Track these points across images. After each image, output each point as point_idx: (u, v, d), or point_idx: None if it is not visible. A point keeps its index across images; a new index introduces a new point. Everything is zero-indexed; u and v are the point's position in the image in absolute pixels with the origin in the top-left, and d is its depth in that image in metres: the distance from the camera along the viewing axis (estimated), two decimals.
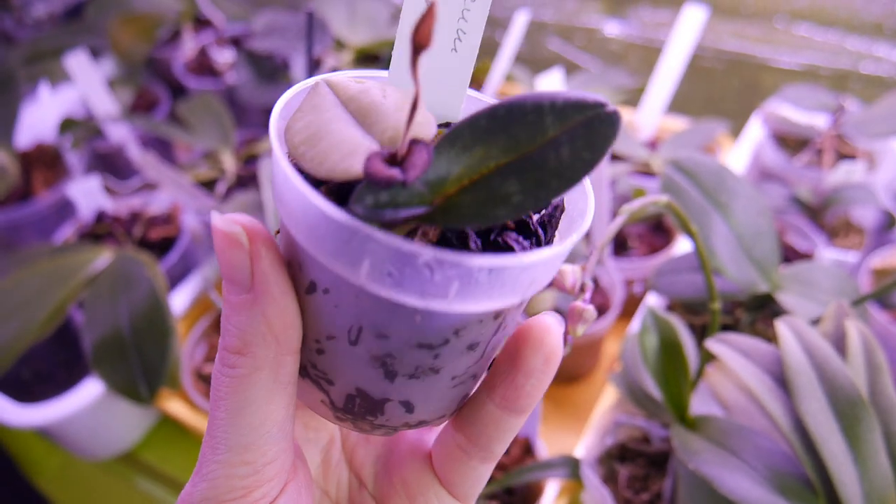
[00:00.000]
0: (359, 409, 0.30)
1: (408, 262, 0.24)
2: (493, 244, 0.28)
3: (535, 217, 0.30)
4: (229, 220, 0.27)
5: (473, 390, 0.33)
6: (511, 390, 0.30)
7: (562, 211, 0.31)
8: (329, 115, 0.29)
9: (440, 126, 0.32)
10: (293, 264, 0.28)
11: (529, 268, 0.26)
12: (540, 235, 0.30)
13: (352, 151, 0.27)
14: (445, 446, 0.34)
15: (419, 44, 0.24)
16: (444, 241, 0.28)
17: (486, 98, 0.34)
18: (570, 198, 0.32)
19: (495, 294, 0.26)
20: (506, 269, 0.25)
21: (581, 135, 0.25)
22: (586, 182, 0.30)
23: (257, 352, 0.28)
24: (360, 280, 0.25)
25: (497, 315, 0.28)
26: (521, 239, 0.29)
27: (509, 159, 0.25)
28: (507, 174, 0.25)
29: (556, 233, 0.31)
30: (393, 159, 0.26)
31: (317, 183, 0.28)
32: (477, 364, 0.30)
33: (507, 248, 0.28)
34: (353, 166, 0.26)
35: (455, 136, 0.26)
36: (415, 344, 0.27)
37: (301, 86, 0.31)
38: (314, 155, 0.27)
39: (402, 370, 0.28)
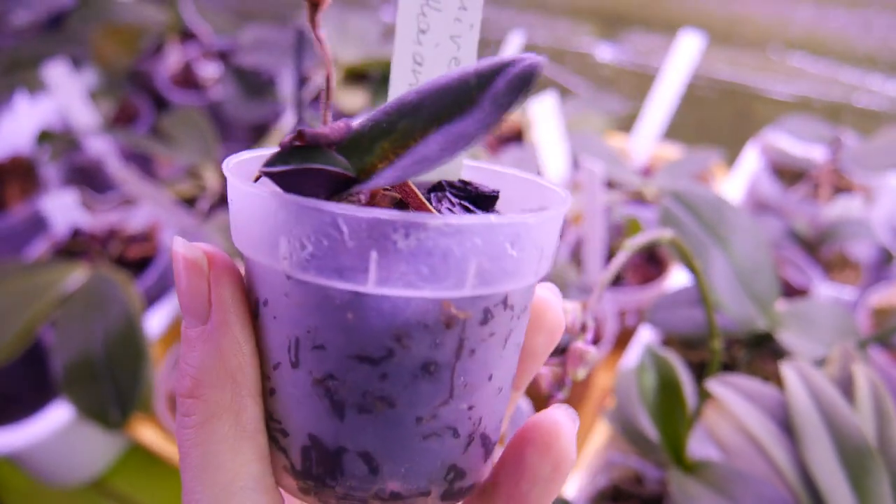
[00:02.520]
0: (317, 470, 0.27)
1: (317, 224, 0.23)
2: None
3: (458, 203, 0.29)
4: (191, 245, 0.26)
5: (461, 462, 0.27)
6: (515, 497, 0.27)
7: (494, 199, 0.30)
8: None
9: (432, 189, 0.30)
10: (248, 290, 0.27)
11: (460, 234, 0.23)
12: None
13: None
14: None
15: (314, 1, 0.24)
16: None
17: (486, 165, 0.33)
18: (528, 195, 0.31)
19: (426, 273, 0.23)
20: (426, 229, 0.23)
21: (501, 84, 0.24)
22: (550, 183, 0.30)
23: (211, 394, 0.25)
24: (280, 264, 0.24)
25: (448, 321, 0.25)
26: (455, 202, 0.28)
27: (436, 129, 0.24)
28: (429, 142, 0.24)
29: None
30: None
31: None
32: (448, 406, 0.26)
33: None
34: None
35: (381, 114, 0.25)
36: (353, 355, 0.25)
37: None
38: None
39: (349, 398, 0.25)
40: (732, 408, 0.56)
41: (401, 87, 0.31)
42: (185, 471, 0.26)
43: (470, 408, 0.27)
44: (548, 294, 0.29)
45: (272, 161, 0.24)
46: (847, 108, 1.33)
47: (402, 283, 0.23)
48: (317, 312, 0.25)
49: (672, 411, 0.61)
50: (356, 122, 0.26)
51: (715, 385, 0.58)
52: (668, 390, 0.62)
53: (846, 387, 0.57)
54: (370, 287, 0.23)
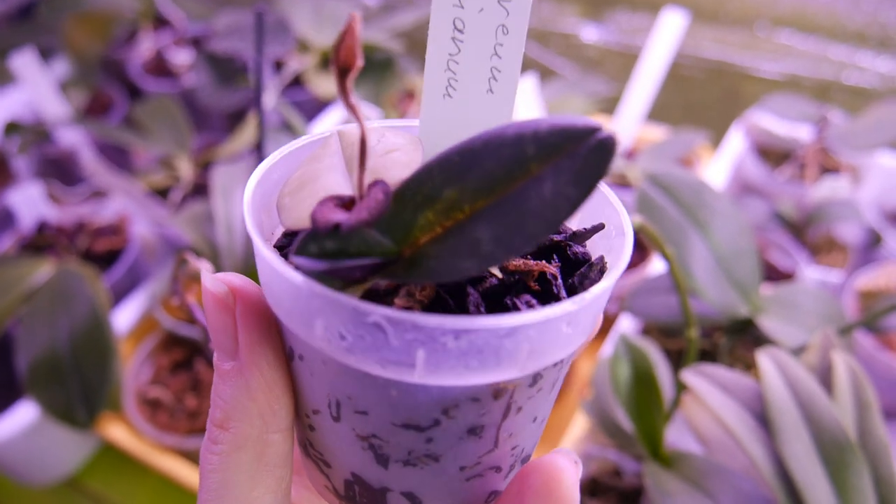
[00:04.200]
0: (360, 499, 0.27)
1: (357, 321, 0.21)
2: (504, 308, 0.24)
3: (560, 280, 0.26)
4: (218, 280, 0.25)
5: (503, 486, 0.28)
6: None
7: (601, 270, 0.26)
8: (323, 164, 0.26)
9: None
10: (282, 335, 0.26)
11: (514, 333, 0.21)
12: (562, 299, 0.25)
13: (321, 199, 0.24)
14: None
15: (344, 65, 0.21)
16: (439, 303, 0.24)
17: None
18: (608, 245, 0.27)
19: (475, 365, 0.22)
20: (477, 333, 0.21)
21: (567, 168, 0.20)
22: (627, 225, 0.26)
23: (239, 428, 0.25)
24: (317, 343, 0.23)
25: (497, 393, 0.23)
26: (534, 302, 0.24)
27: (486, 203, 0.21)
28: (480, 220, 0.21)
29: None
30: (351, 205, 0.23)
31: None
32: (492, 454, 0.26)
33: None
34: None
35: (423, 176, 0.22)
36: (399, 424, 0.24)
37: (290, 147, 0.29)
38: (291, 204, 0.25)
39: (393, 455, 0.25)
40: (708, 399, 0.53)
41: (440, 58, 0.27)
42: (202, 492, 0.26)
43: (514, 447, 0.27)
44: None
45: (305, 244, 0.22)
46: (836, 85, 1.30)
47: (450, 376, 0.22)
48: (358, 385, 0.23)
49: (647, 403, 0.59)
50: (396, 187, 0.23)
51: (690, 376, 0.55)
52: (642, 382, 0.60)
53: (826, 375, 0.55)
54: (416, 379, 0.22)
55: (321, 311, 0.22)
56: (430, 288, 0.24)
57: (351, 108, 0.22)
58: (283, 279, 0.22)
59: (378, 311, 0.21)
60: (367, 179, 0.23)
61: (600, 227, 0.28)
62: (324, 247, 0.22)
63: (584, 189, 0.20)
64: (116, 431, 0.83)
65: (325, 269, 0.22)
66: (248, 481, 0.26)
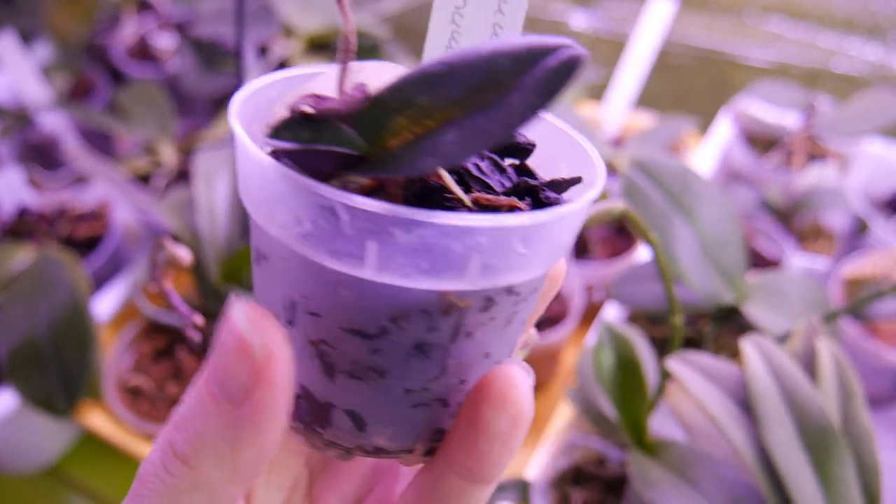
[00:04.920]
0: (306, 415, 0.27)
1: (315, 204, 0.22)
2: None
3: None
4: (253, 322, 0.21)
5: (447, 425, 0.27)
6: (473, 457, 0.25)
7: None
8: (317, 81, 0.28)
9: None
10: (252, 237, 0.27)
11: (463, 235, 0.22)
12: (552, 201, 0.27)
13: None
14: None
15: None
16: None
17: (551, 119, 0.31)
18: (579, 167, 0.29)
19: (425, 266, 0.22)
20: (427, 226, 0.21)
21: (535, 79, 0.21)
22: (596, 158, 0.28)
23: (205, 471, 0.22)
24: (275, 230, 0.24)
25: (446, 309, 0.24)
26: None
27: (457, 113, 0.22)
28: (449, 127, 0.22)
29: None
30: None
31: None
32: (439, 381, 0.26)
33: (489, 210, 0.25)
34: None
35: (401, 84, 0.23)
36: (347, 328, 0.24)
37: (292, 72, 0.29)
38: (278, 109, 0.26)
39: (339, 364, 0.25)
40: (691, 387, 0.53)
41: (447, 9, 0.28)
42: None
43: (462, 381, 0.27)
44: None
45: (279, 130, 0.23)
46: (825, 73, 1.30)
47: (399, 274, 0.23)
48: (312, 282, 0.24)
49: (631, 391, 0.59)
50: (375, 90, 0.24)
51: (674, 363, 0.55)
52: (626, 369, 0.59)
53: (809, 363, 0.55)
54: (366, 274, 0.23)
55: (283, 196, 0.23)
56: (399, 198, 0.25)
57: (344, 12, 0.23)
58: (252, 162, 0.23)
59: (335, 196, 0.21)
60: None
61: (577, 179, 0.28)
62: (296, 134, 0.23)
63: (546, 98, 0.21)
64: (97, 420, 0.82)
65: (295, 150, 0.23)
66: None
